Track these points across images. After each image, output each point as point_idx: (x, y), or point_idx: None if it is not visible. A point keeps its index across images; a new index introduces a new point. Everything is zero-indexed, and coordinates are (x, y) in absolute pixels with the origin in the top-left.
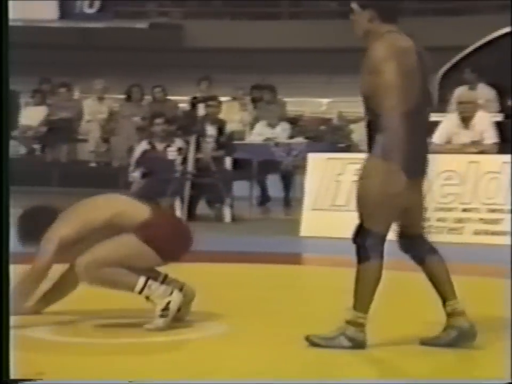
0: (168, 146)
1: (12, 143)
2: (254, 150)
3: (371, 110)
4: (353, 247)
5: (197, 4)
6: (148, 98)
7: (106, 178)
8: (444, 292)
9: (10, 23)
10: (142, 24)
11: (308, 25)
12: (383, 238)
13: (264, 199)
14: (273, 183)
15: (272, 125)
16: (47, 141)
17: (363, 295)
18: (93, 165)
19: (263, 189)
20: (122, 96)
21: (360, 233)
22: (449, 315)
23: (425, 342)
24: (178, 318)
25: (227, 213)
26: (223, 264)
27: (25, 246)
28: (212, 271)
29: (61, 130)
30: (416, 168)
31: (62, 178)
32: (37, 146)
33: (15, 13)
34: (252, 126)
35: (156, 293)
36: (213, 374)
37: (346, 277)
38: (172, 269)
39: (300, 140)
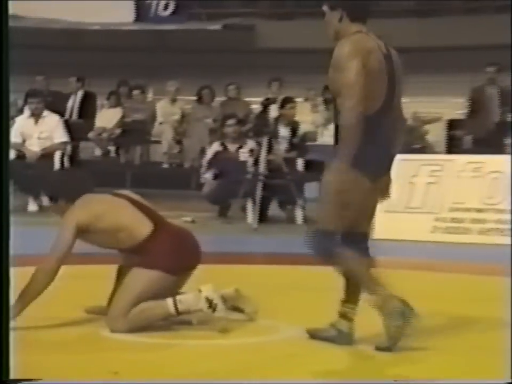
0: (240, 147)
1: (88, 144)
2: (326, 151)
3: (336, 109)
4: (428, 250)
5: (269, 4)
6: (219, 99)
7: (178, 179)
8: (350, 292)
9: (89, 27)
10: (215, 26)
11: (382, 23)
12: (333, 235)
13: None
14: None
15: None
16: (121, 142)
17: (358, 282)
18: (165, 166)
19: None
20: (194, 98)
21: (318, 237)
22: (340, 315)
23: (310, 333)
24: (248, 317)
25: (299, 215)
26: (294, 266)
27: (56, 204)
28: (283, 273)
29: (134, 132)
30: (376, 170)
31: (135, 179)
32: (111, 148)
33: (93, 17)
34: (323, 127)
35: (190, 301)
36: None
37: (422, 281)
38: (249, 271)
39: None
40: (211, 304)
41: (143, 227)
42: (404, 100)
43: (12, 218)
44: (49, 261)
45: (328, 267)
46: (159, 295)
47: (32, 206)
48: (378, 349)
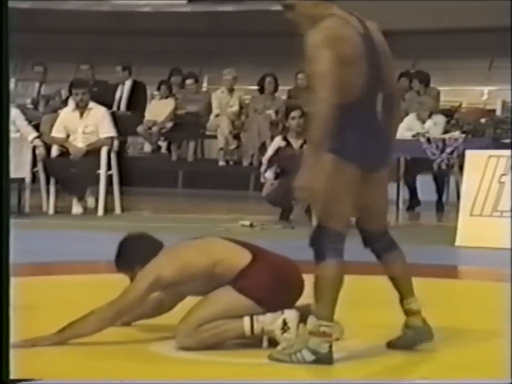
0: (305, 142)
1: (137, 139)
2: (402, 146)
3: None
4: None
5: None
6: (282, 88)
7: (235, 178)
8: (401, 289)
9: (139, 9)
10: (277, 6)
11: (466, 1)
12: (338, 235)
13: (413, 202)
14: (424, 185)
15: (423, 118)
16: (173, 137)
17: (324, 300)
18: (221, 163)
19: (412, 191)
20: (254, 87)
21: (315, 233)
22: (406, 313)
23: (391, 345)
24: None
25: None
26: (366, 276)
27: (119, 270)
28: (352, 284)
29: (187, 126)
30: (367, 161)
31: (188, 178)
32: (162, 143)
33: None
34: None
35: (267, 319)
36: None
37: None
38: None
39: (456, 134)
40: (284, 326)
41: (241, 257)
42: (492, 88)
43: (56, 221)
44: (108, 309)
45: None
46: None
47: (76, 208)
48: None
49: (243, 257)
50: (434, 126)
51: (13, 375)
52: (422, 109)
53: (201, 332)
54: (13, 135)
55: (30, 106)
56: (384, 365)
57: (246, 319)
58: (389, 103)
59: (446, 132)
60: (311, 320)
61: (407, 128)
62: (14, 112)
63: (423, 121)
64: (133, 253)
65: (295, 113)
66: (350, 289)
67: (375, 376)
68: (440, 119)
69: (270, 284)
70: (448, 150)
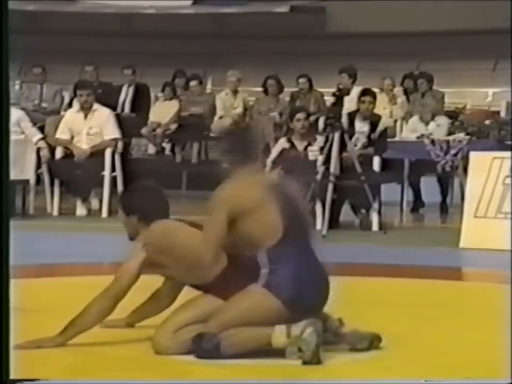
0: (309, 144)
1: (140, 141)
2: (406, 148)
3: None
4: None
5: None
6: (287, 90)
7: None
8: None
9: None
10: (281, 8)
11: (469, 2)
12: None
13: (417, 204)
14: (428, 186)
15: (427, 120)
16: (177, 139)
17: None
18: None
19: (417, 193)
20: (259, 89)
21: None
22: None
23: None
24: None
25: (374, 220)
26: (369, 278)
27: (127, 217)
28: (358, 286)
29: (192, 127)
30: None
31: (192, 180)
32: (166, 145)
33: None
34: (403, 121)
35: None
36: None
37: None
38: None
39: (460, 136)
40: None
41: (217, 261)
42: (496, 89)
43: (60, 223)
44: (107, 294)
45: (411, 280)
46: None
47: (81, 210)
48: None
49: (220, 262)
50: (438, 128)
51: (13, 375)
52: (425, 111)
53: (180, 335)
54: (17, 136)
55: (33, 108)
56: (382, 365)
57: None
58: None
59: (450, 133)
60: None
61: (411, 130)
62: (19, 114)
63: (426, 123)
64: (133, 200)
65: (300, 115)
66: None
67: (372, 376)
68: (444, 121)
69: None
70: (453, 151)
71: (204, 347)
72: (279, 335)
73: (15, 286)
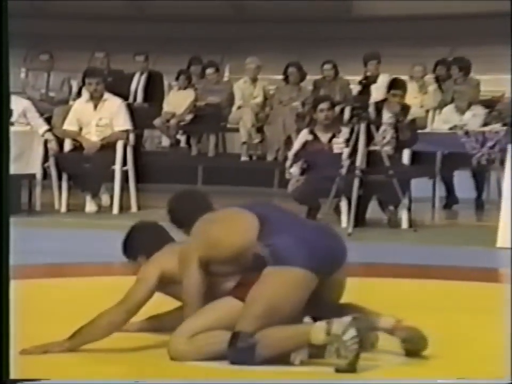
0: (334, 136)
1: (154, 133)
2: (439, 140)
3: None
4: None
5: None
6: (310, 78)
7: (259, 174)
8: None
9: None
10: None
11: None
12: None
13: (450, 200)
14: (463, 181)
15: (462, 110)
16: (193, 130)
17: None
18: (244, 158)
19: (449, 188)
20: (279, 77)
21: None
22: None
23: None
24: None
25: (404, 218)
26: (398, 279)
27: (124, 255)
28: (385, 288)
29: (208, 118)
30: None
31: (209, 174)
32: (181, 137)
33: None
34: (435, 111)
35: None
36: None
37: None
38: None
39: (497, 127)
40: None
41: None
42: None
43: (69, 220)
44: (119, 309)
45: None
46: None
47: (90, 206)
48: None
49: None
50: (474, 118)
51: (13, 375)
52: (461, 99)
53: (197, 341)
54: (23, 128)
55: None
56: (412, 372)
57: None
58: None
59: (486, 124)
60: None
61: (444, 121)
62: (25, 104)
63: (462, 113)
64: (139, 241)
65: (323, 105)
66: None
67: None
68: (480, 111)
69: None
70: (489, 143)
71: (239, 347)
72: (319, 331)
73: (20, 286)
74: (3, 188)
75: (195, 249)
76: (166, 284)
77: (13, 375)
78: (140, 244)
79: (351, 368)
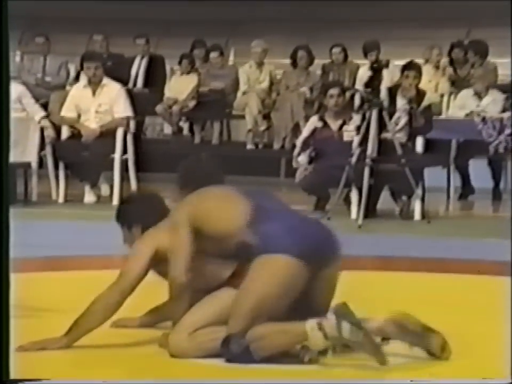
0: (344, 123)
1: (155, 120)
2: (454, 127)
3: None
4: None
5: None
6: (319, 62)
7: (265, 163)
8: None
9: None
10: None
11: None
12: None
13: (466, 190)
14: (479, 170)
15: (479, 95)
16: (196, 117)
17: None
18: (250, 147)
19: (465, 178)
20: (287, 61)
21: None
22: None
23: None
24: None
25: (417, 209)
26: (411, 273)
27: (117, 222)
28: (398, 282)
29: (212, 105)
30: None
31: None
32: (184, 124)
33: None
34: (450, 96)
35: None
36: None
37: None
38: (352, 279)
39: None
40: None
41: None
42: None
43: (66, 211)
44: (112, 291)
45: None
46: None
47: (89, 197)
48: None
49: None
50: (492, 103)
51: (13, 375)
52: (479, 83)
53: (198, 337)
54: (18, 114)
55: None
56: (427, 370)
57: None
58: None
59: (504, 110)
60: None
61: (460, 106)
62: (20, 89)
63: (479, 98)
64: (135, 210)
65: (333, 91)
66: None
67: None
68: (497, 96)
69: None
70: (507, 131)
71: (233, 352)
72: (316, 337)
73: (16, 281)
74: (3, 177)
75: (187, 213)
76: (159, 262)
77: (13, 375)
78: (135, 212)
79: (382, 357)
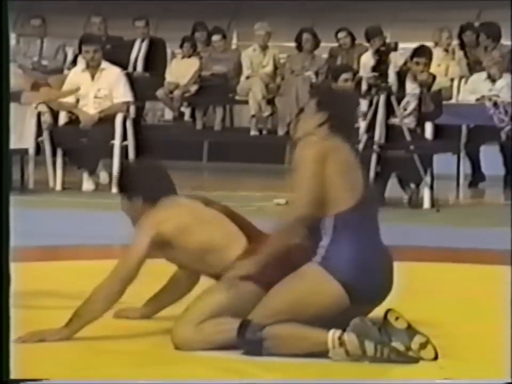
0: None
1: (156, 105)
2: (464, 112)
3: None
4: None
5: None
6: (324, 45)
7: (269, 150)
8: None
9: None
10: None
11: None
12: None
13: (476, 177)
14: (490, 157)
15: (493, 78)
16: (198, 102)
17: None
18: (253, 133)
19: (475, 165)
20: (291, 44)
21: None
22: None
23: None
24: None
25: (426, 196)
26: (420, 263)
27: (130, 201)
28: (406, 272)
29: (214, 89)
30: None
31: (215, 150)
32: (185, 109)
33: None
34: (461, 80)
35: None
36: None
37: None
38: None
39: None
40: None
41: (235, 245)
42: None
43: (64, 199)
44: (114, 279)
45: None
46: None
47: (87, 185)
48: None
49: (238, 245)
50: (505, 87)
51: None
52: (490, 67)
53: (204, 329)
54: None
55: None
56: (436, 365)
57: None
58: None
59: None
60: None
61: (471, 91)
62: (16, 73)
63: (492, 82)
64: (137, 180)
65: (346, 75)
66: None
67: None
68: (509, 80)
69: (274, 266)
70: None
71: (248, 338)
72: (337, 353)
73: (14, 271)
74: (3, 164)
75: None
76: (163, 246)
77: (13, 375)
78: (136, 183)
79: (412, 358)
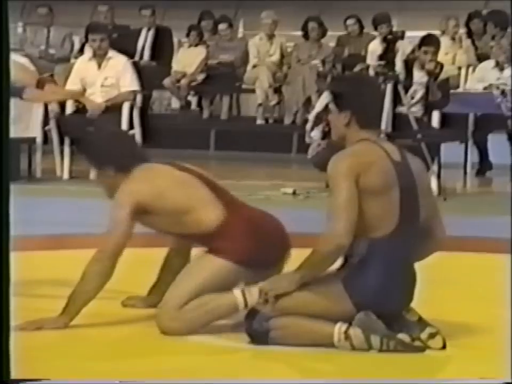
0: None
1: (163, 94)
2: (472, 101)
3: None
4: None
5: None
6: (332, 34)
7: (277, 139)
8: None
9: None
10: None
11: None
12: None
13: (484, 166)
14: (497, 145)
15: (500, 67)
16: (205, 91)
17: None
18: (260, 122)
19: (483, 153)
20: (298, 33)
21: None
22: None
23: None
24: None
25: (433, 185)
26: None
27: (101, 171)
28: None
29: (221, 78)
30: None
31: (222, 139)
32: (192, 98)
33: None
34: (468, 68)
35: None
36: None
37: None
38: None
39: None
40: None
41: (213, 211)
42: None
43: (71, 188)
44: (102, 255)
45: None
46: (226, 289)
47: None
48: None
49: (216, 211)
50: None
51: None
52: (498, 55)
53: (188, 312)
54: None
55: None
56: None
57: (237, 292)
58: (420, 239)
59: None
60: None
61: (478, 79)
62: (23, 62)
63: (500, 70)
64: (106, 150)
65: (359, 66)
66: None
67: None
68: None
69: (246, 239)
70: None
71: (252, 327)
72: (341, 345)
73: (19, 259)
74: (3, 153)
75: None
76: (143, 214)
77: (14, 374)
78: (107, 153)
79: (419, 347)
